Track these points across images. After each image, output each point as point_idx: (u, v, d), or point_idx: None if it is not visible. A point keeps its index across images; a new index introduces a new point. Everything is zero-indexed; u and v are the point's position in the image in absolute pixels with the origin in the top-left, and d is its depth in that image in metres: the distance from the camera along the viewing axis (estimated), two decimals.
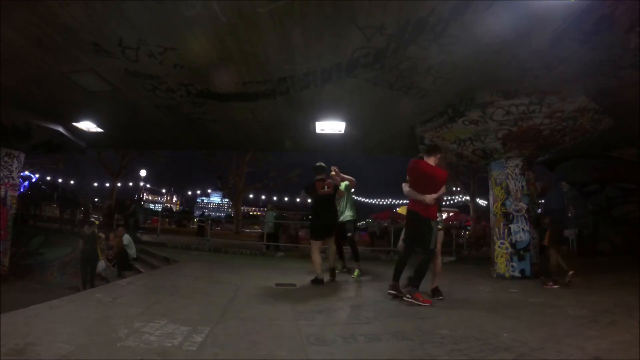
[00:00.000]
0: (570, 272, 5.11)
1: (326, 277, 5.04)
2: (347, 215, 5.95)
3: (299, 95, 6.13)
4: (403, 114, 6.81)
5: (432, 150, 4.16)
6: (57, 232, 13.40)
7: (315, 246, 5.10)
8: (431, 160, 4.05)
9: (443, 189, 4.03)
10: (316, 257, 5.03)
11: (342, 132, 7.85)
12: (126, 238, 9.45)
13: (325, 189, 5.14)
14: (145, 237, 11.12)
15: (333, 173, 5.63)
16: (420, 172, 3.99)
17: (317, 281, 4.91)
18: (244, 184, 23.76)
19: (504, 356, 2.22)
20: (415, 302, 3.62)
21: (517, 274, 6.15)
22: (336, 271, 5.48)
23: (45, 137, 8.16)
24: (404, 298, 3.72)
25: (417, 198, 3.90)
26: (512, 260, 6.25)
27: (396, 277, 3.94)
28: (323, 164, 5.33)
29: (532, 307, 3.83)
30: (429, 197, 3.83)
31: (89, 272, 8.23)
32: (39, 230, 13.35)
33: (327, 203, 5.20)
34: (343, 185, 5.82)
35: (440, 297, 3.99)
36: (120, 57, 5.01)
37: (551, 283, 5.14)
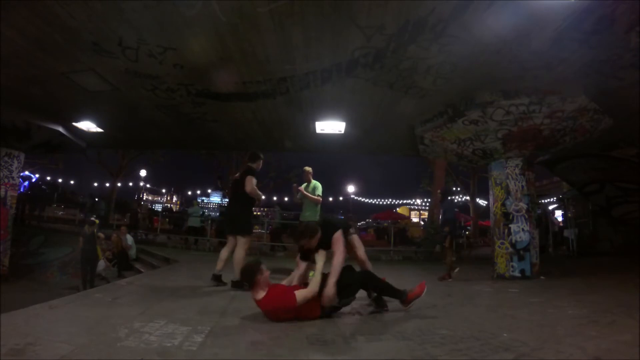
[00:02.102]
0: (456, 270, 6.09)
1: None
2: (305, 215, 5.82)
3: (299, 95, 6.13)
4: (403, 114, 6.81)
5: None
6: (57, 232, 13.43)
7: (239, 242, 4.54)
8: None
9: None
10: (222, 252, 4.63)
11: (342, 132, 7.85)
12: (129, 238, 9.46)
13: (237, 175, 4.73)
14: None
15: (307, 168, 5.89)
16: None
17: (234, 284, 4.41)
18: None
19: (504, 356, 2.22)
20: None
21: (517, 274, 6.15)
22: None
23: (45, 137, 8.15)
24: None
25: None
26: (512, 260, 6.25)
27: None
28: (254, 152, 4.92)
29: (532, 307, 3.83)
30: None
31: (89, 272, 8.24)
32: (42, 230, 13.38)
33: (234, 192, 4.71)
34: (313, 184, 5.85)
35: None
36: (120, 57, 5.01)
37: (446, 276, 6.01)
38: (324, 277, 3.13)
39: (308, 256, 3.49)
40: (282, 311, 2.98)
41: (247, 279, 3.10)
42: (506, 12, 3.85)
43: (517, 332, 2.74)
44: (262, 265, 3.13)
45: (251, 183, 4.50)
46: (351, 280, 3.26)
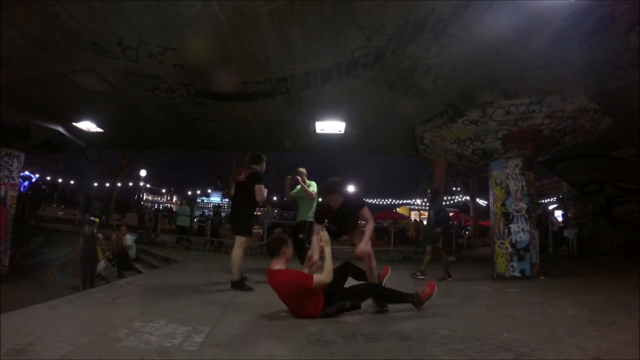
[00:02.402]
0: (421, 277, 6.12)
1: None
2: (302, 213, 5.76)
3: (299, 95, 6.13)
4: (403, 114, 6.80)
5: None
6: (57, 232, 13.43)
7: (237, 242, 4.53)
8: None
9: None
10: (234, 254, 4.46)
11: (342, 132, 7.85)
12: (129, 238, 9.46)
13: (241, 176, 4.71)
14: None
15: (302, 169, 5.81)
16: None
17: (234, 285, 4.32)
18: None
19: (504, 356, 2.22)
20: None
21: (517, 274, 6.15)
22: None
23: (45, 137, 8.14)
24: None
25: None
26: (512, 260, 6.25)
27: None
28: (257, 154, 4.97)
29: (532, 307, 3.83)
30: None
31: (89, 272, 8.25)
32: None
33: (237, 192, 4.73)
34: (307, 183, 5.80)
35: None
36: (120, 57, 5.00)
37: (446, 276, 6.00)
38: (336, 272, 3.26)
39: (324, 219, 3.68)
40: (293, 287, 3.06)
41: (273, 248, 3.26)
42: (506, 12, 3.85)
43: (517, 332, 2.74)
44: (289, 241, 3.37)
45: (261, 192, 4.53)
46: (364, 287, 3.48)
